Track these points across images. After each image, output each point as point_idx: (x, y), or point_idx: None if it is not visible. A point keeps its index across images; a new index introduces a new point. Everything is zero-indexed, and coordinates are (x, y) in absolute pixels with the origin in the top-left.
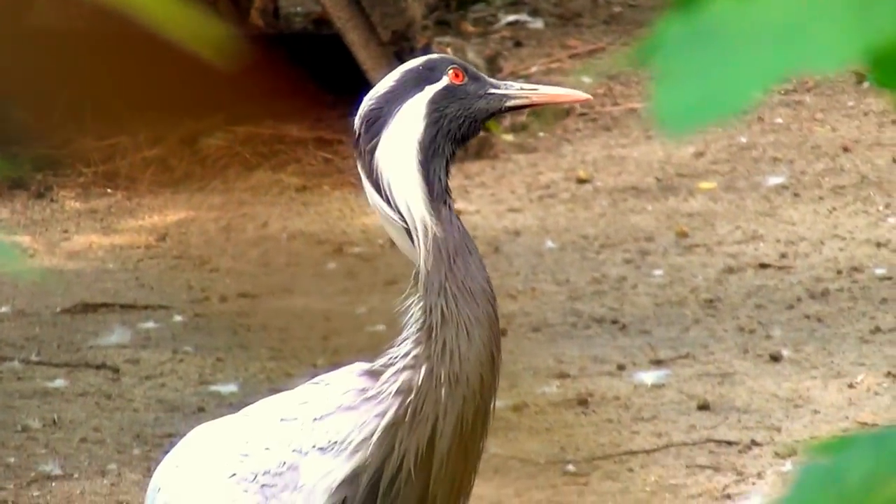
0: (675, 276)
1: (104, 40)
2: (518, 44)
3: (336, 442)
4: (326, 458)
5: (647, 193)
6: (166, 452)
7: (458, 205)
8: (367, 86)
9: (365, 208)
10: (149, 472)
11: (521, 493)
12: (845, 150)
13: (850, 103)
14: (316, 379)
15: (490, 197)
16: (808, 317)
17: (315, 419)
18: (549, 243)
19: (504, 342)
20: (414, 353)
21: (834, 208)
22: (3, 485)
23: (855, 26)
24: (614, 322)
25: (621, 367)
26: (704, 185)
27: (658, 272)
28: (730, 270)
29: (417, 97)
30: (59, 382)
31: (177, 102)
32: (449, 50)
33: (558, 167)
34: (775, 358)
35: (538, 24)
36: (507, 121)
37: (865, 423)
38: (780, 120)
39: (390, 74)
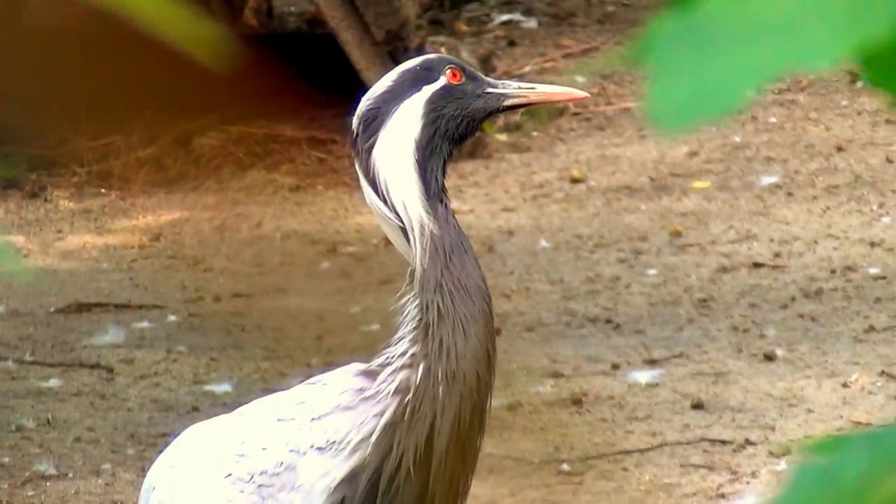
0: (668, 276)
1: (98, 40)
2: (512, 43)
3: (335, 442)
4: (325, 457)
5: (641, 193)
6: (160, 452)
7: (452, 204)
8: (361, 86)
9: (359, 208)
10: (143, 472)
11: (516, 493)
12: (839, 149)
13: (844, 102)
14: (312, 379)
15: (484, 196)
16: (802, 316)
17: (313, 419)
18: (543, 243)
19: (498, 342)
20: (411, 351)
21: (828, 208)
22: None
23: (848, 24)
24: (608, 321)
25: (615, 367)
26: (698, 184)
27: (652, 271)
28: (724, 270)
29: (415, 97)
30: (54, 382)
31: (171, 102)
32: (443, 49)
33: (552, 167)
34: (769, 357)
35: (532, 23)
36: (500, 120)
37: (860, 423)
38: (773, 119)
39: (388, 74)
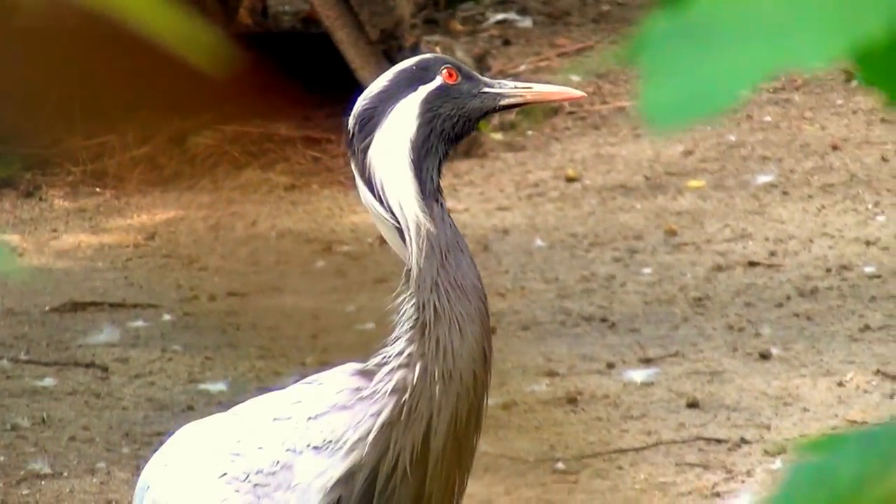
0: (664, 275)
1: (93, 40)
2: (506, 42)
3: (331, 441)
4: (321, 457)
5: (636, 192)
6: (155, 451)
7: (447, 203)
8: (356, 85)
9: (354, 207)
10: (138, 471)
11: (511, 492)
12: (834, 148)
13: (839, 101)
14: (308, 379)
15: (479, 195)
16: (797, 315)
17: (309, 418)
18: (539, 242)
19: (494, 340)
20: (408, 351)
21: (823, 206)
22: None
23: (842, 23)
24: (603, 320)
25: (611, 366)
26: (693, 183)
27: (647, 270)
28: (719, 269)
29: (411, 97)
30: (49, 381)
31: (165, 101)
32: (437, 49)
33: (547, 166)
34: (765, 356)
35: (527, 22)
36: (495, 119)
37: (855, 421)
38: (768, 118)
39: (384, 74)
